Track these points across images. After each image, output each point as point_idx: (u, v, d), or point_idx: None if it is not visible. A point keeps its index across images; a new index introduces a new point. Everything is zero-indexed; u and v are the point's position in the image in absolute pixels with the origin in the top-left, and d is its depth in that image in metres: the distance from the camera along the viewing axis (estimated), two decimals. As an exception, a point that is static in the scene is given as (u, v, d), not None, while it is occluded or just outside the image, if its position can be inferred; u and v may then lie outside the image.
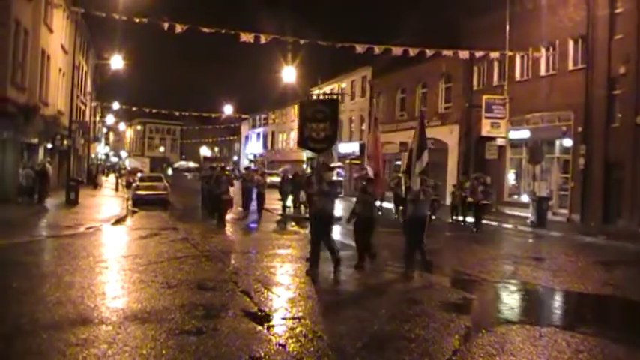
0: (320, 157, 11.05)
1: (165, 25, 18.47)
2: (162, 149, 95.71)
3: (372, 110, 36.29)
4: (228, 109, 55.29)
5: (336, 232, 15.47)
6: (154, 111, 47.41)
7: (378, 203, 21.41)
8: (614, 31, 19.05)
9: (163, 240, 13.22)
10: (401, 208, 17.03)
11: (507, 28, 21.92)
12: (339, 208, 18.18)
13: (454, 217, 19.86)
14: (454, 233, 17.32)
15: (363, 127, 37.93)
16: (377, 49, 21.04)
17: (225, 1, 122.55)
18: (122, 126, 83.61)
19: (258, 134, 68.83)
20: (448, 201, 22.59)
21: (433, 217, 18.78)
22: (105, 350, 5.23)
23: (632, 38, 18.19)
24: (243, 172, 30.95)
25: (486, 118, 22.60)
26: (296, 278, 9.11)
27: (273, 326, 6.30)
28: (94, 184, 33.79)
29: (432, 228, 17.46)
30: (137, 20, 18.66)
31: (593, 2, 19.77)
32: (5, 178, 18.97)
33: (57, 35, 25.48)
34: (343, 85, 42.80)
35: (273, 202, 22.49)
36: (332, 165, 35.95)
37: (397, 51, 21.45)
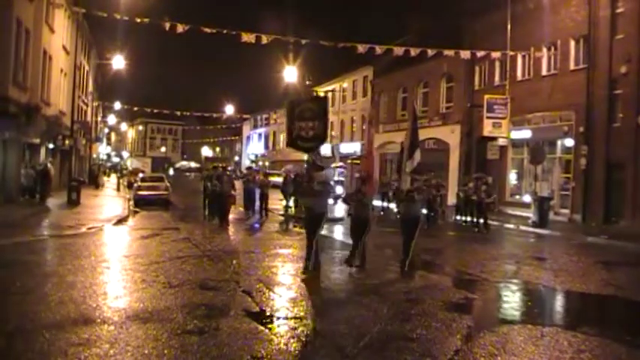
0: (310, 156, 10.82)
1: (167, 25, 18.50)
2: (163, 149, 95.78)
3: (372, 111, 36.39)
4: (229, 109, 55.38)
5: (338, 232, 15.54)
6: (155, 111, 47.47)
7: (379, 203, 21.60)
8: (616, 30, 19.02)
9: (165, 240, 13.23)
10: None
11: (509, 27, 21.90)
12: (341, 209, 18.21)
13: (458, 217, 19.84)
14: (457, 233, 17.31)
15: (365, 127, 37.97)
16: (378, 49, 21.05)
17: (227, 1, 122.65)
18: (124, 126, 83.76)
19: (260, 134, 68.88)
20: (449, 201, 22.61)
21: (438, 219, 18.85)
22: (107, 350, 5.24)
23: (633, 38, 18.16)
24: (245, 172, 30.98)
25: (488, 118, 22.58)
26: (297, 278, 9.12)
27: (274, 326, 6.30)
28: (96, 184, 33.81)
29: (436, 228, 17.59)
30: (138, 20, 18.68)
31: (594, 2, 19.73)
32: (7, 178, 18.99)
33: (58, 35, 25.51)
34: (345, 84, 42.83)
35: (275, 202, 22.50)
36: (335, 165, 35.97)
37: (398, 51, 21.47)
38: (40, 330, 5.75)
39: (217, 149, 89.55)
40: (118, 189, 33.56)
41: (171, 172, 69.53)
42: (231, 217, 17.42)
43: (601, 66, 19.37)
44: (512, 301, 8.38)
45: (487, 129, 22.79)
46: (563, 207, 21.28)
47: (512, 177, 24.75)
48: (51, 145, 26.36)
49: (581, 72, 20.27)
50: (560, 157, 21.91)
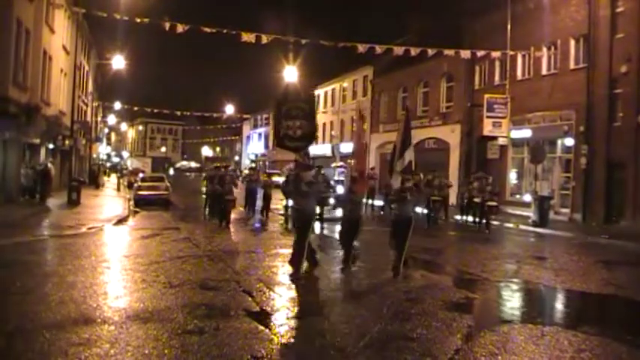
0: (298, 155, 10.54)
1: (167, 25, 18.51)
2: (163, 149, 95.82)
3: (373, 109, 36.36)
4: (229, 109, 55.39)
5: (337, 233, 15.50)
6: (155, 111, 47.48)
7: (381, 203, 21.56)
8: (616, 30, 19.01)
9: (165, 240, 13.23)
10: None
11: (509, 27, 21.92)
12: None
13: (459, 217, 19.82)
14: (457, 232, 17.31)
15: (365, 127, 37.94)
16: (378, 49, 21.06)
17: (227, 1, 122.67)
18: (124, 126, 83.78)
19: (260, 134, 68.89)
20: (450, 201, 22.58)
21: (439, 219, 18.81)
22: (107, 350, 5.23)
23: (633, 37, 18.16)
24: (246, 172, 30.93)
25: (488, 117, 22.60)
26: (297, 278, 9.10)
27: (275, 326, 6.29)
28: (96, 184, 33.82)
29: (437, 228, 17.58)
30: (138, 20, 18.70)
31: (594, 1, 19.73)
32: (7, 178, 19.00)
33: (58, 35, 25.52)
34: (345, 84, 42.82)
35: (276, 201, 22.47)
36: (335, 164, 35.94)
37: (398, 50, 21.48)
38: (41, 330, 5.74)
39: (217, 149, 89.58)
40: (118, 189, 33.56)
41: (171, 172, 69.58)
42: (231, 217, 17.40)
43: (601, 65, 19.36)
44: (512, 300, 8.37)
45: (487, 128, 22.81)
46: (564, 206, 21.28)
47: (512, 176, 24.74)
48: (51, 145, 26.36)
49: (582, 71, 20.26)
50: (560, 157, 21.91)
